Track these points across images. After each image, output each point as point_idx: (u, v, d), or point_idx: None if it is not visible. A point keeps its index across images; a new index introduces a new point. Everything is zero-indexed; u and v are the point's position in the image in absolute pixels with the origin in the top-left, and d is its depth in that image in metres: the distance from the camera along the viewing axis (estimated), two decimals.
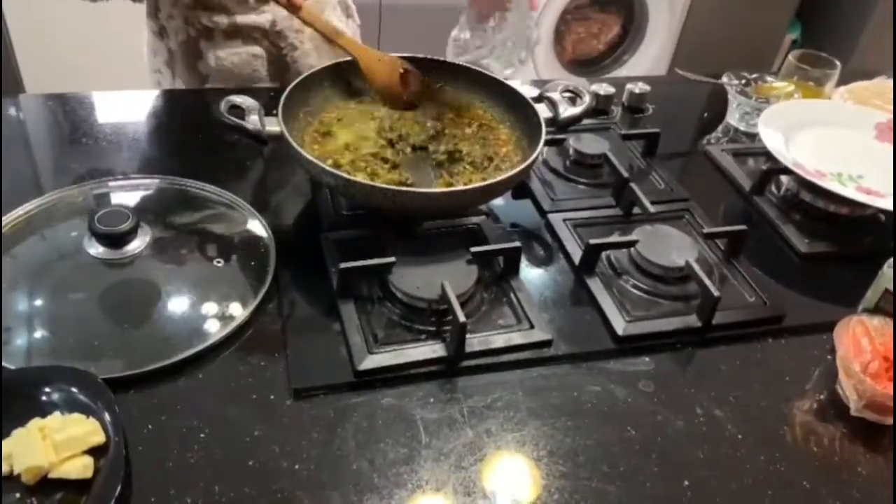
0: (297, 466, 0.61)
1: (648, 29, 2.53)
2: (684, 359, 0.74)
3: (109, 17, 1.79)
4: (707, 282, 0.74)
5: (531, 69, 2.40)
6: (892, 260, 0.75)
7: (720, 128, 1.14)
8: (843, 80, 1.21)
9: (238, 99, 0.82)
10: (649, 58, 2.56)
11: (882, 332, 0.71)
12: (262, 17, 1.09)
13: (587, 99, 0.92)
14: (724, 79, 1.13)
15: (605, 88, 1.11)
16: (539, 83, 1.10)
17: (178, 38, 1.10)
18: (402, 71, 0.93)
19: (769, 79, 1.14)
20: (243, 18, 1.08)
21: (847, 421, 0.69)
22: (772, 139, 0.95)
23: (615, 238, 0.82)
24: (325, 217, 0.84)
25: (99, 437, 0.59)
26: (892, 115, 1.06)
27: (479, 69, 0.98)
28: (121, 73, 1.99)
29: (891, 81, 1.26)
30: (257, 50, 1.11)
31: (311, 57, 1.15)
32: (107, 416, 0.60)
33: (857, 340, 0.70)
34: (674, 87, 1.30)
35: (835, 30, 2.69)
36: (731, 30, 2.53)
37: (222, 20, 1.07)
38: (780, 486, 0.63)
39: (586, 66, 2.62)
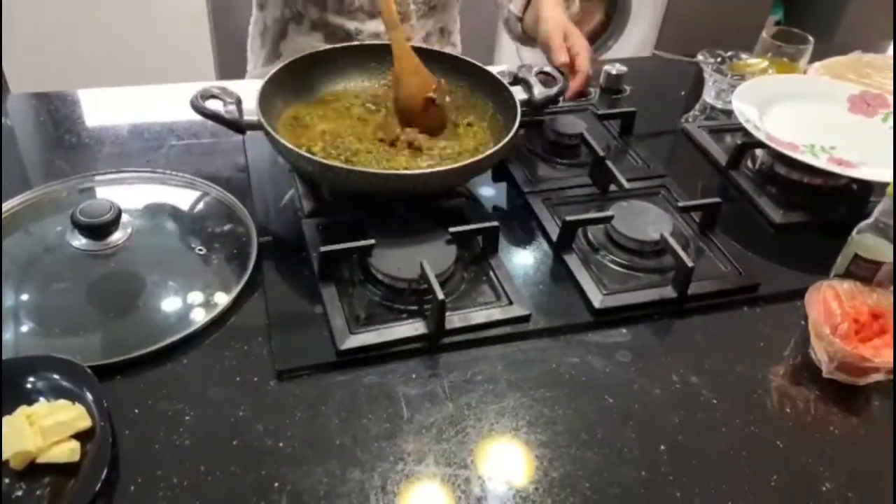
0: (281, 444, 0.62)
1: (631, 15, 2.54)
2: (661, 329, 0.76)
3: (90, 14, 1.80)
4: (681, 253, 0.76)
5: (515, 57, 2.40)
6: (861, 225, 0.76)
7: (697, 106, 1.15)
8: (822, 59, 1.22)
9: (216, 89, 0.84)
10: (633, 44, 2.57)
11: (851, 296, 0.72)
12: (352, 24, 1.13)
13: (562, 80, 0.93)
14: (700, 57, 1.15)
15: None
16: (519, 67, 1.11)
17: (274, 15, 1.16)
18: (428, 95, 0.88)
19: (744, 56, 1.16)
20: (335, 17, 1.12)
21: (820, 383, 0.70)
22: (746, 113, 0.96)
23: (591, 214, 0.84)
24: (306, 203, 0.85)
25: (85, 422, 0.60)
26: (865, 88, 1.07)
27: (457, 55, 0.99)
28: (103, 69, 2.00)
29: (865, 57, 1.27)
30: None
31: None
32: (92, 402, 0.61)
33: (828, 304, 0.72)
34: (651, 67, 1.31)
35: (817, 11, 2.71)
36: (714, 14, 2.54)
37: (313, 12, 1.12)
38: (755, 447, 0.64)
39: None
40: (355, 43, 1.04)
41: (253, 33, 1.26)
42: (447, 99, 0.92)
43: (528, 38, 1.11)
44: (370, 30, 1.13)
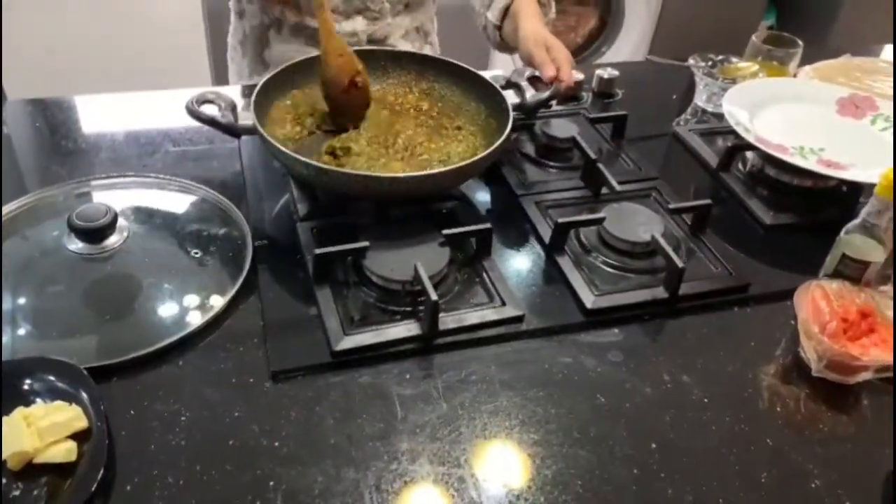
0: (276, 444, 0.62)
1: (625, 21, 2.56)
2: (652, 329, 0.76)
3: (87, 21, 1.81)
4: (672, 254, 0.77)
5: (509, 63, 2.42)
6: (849, 225, 0.77)
7: (689, 109, 1.16)
8: (812, 63, 1.24)
9: (211, 94, 0.85)
10: (627, 49, 2.58)
11: (840, 295, 0.73)
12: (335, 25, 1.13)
13: (554, 84, 0.94)
14: (691, 61, 1.16)
15: (574, 75, 1.13)
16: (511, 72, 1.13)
17: (252, 23, 1.17)
18: (351, 80, 0.89)
19: (734, 60, 1.17)
20: (313, 21, 1.12)
21: (809, 382, 0.71)
22: (736, 116, 0.98)
23: (583, 216, 0.85)
24: (300, 206, 0.86)
25: (82, 423, 0.60)
26: (854, 91, 1.08)
27: (449, 59, 1.00)
28: (99, 75, 2.01)
29: (855, 60, 1.29)
30: (314, 52, 1.14)
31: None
32: (89, 403, 0.62)
33: (816, 304, 0.72)
34: (643, 72, 1.33)
35: (809, 16, 2.73)
36: (707, 19, 2.56)
37: (291, 17, 1.12)
38: (745, 444, 0.65)
39: None
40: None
41: (232, 42, 1.25)
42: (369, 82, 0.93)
43: (506, 46, 1.11)
44: (346, 29, 1.13)
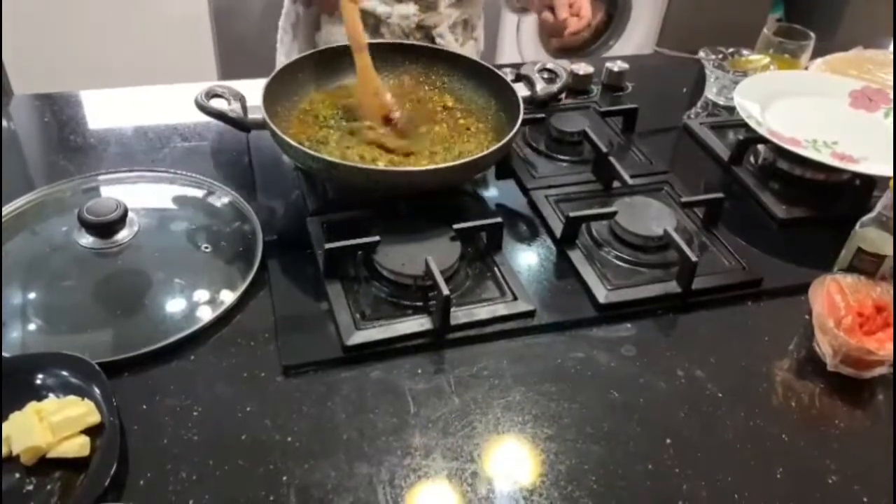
0: (288, 439, 0.62)
1: (633, 14, 2.55)
2: (665, 324, 0.76)
3: (94, 16, 1.81)
4: (685, 248, 0.76)
5: (517, 58, 2.41)
6: (864, 219, 0.76)
7: (699, 103, 1.16)
8: (823, 56, 1.23)
9: (220, 88, 0.84)
10: (634, 43, 2.57)
11: (855, 289, 0.72)
12: (382, 8, 1.14)
13: (564, 76, 0.94)
14: (701, 54, 1.15)
15: (583, 68, 1.13)
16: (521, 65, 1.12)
17: (305, 6, 1.18)
18: (386, 117, 0.91)
19: (745, 52, 1.16)
20: (366, 3, 1.13)
21: (824, 377, 0.71)
22: (748, 109, 0.97)
23: (594, 210, 0.84)
24: (310, 201, 0.85)
25: (94, 418, 0.60)
26: (866, 83, 1.07)
27: (459, 53, 1.00)
28: (107, 70, 2.01)
29: (866, 52, 1.28)
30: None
31: None
32: (101, 398, 0.62)
33: (831, 298, 0.72)
34: (653, 65, 1.32)
35: (817, 10, 2.71)
36: (714, 12, 2.55)
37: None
38: (759, 440, 0.65)
39: (573, 53, 2.63)
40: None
41: (283, 25, 1.26)
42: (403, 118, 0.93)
43: (522, 8, 1.14)
44: (400, 12, 1.13)
